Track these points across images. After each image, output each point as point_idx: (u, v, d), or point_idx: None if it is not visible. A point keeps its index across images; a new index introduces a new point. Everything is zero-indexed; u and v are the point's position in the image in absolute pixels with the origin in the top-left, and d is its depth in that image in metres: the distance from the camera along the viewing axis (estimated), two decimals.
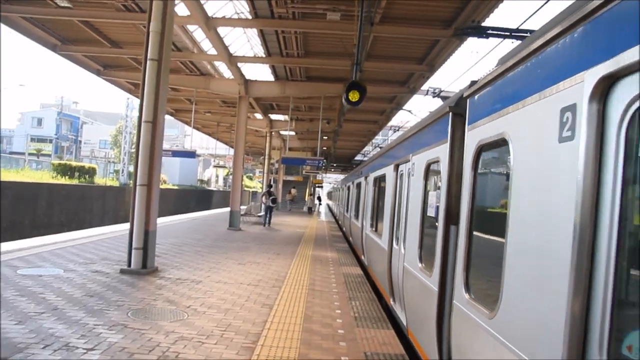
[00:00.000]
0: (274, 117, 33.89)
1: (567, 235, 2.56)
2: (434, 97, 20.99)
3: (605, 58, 2.40)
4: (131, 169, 50.22)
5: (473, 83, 4.80)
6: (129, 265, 10.17)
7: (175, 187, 54.57)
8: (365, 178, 15.71)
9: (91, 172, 35.90)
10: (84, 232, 19.28)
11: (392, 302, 8.70)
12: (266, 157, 35.48)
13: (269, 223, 25.14)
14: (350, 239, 20.55)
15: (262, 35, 17.35)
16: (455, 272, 4.69)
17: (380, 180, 12.11)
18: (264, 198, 26.25)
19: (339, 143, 41.96)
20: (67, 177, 32.61)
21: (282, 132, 32.91)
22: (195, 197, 58.88)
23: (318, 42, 18.07)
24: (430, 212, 5.92)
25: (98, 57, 22.21)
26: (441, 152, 5.42)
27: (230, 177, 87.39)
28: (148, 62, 10.02)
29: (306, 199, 56.01)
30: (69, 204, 29.73)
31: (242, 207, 29.22)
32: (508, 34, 8.80)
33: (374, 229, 12.56)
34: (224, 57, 18.64)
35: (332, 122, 29.88)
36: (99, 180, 37.50)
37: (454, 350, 4.64)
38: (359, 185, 18.27)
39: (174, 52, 19.18)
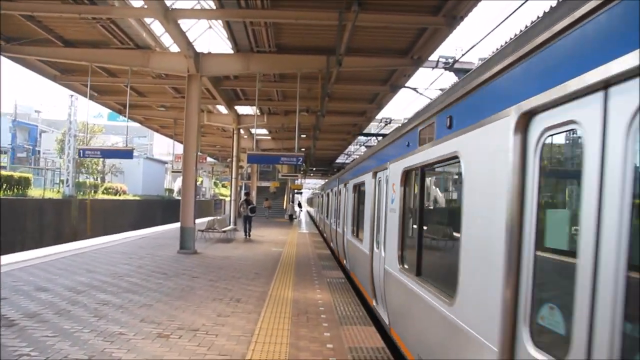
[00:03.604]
0: (242, 110, 28.25)
1: (501, 227, 3.39)
2: (446, 69, 16.10)
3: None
4: (81, 178, 44.24)
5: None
6: None
7: (137, 198, 48.46)
8: (345, 185, 15.87)
9: (23, 182, 29.71)
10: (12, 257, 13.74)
11: (374, 304, 9.08)
12: (233, 158, 29.73)
13: (249, 234, 23.63)
14: (332, 244, 20.72)
15: None
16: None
17: (359, 187, 12.36)
18: (241, 208, 24.75)
19: (319, 143, 36.37)
20: None
21: (253, 131, 27.27)
22: (162, 208, 52.71)
23: None
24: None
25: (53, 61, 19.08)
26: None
27: (204, 186, 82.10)
28: None
29: (285, 207, 50.70)
30: None
31: (219, 217, 23.81)
32: None
33: (355, 234, 12.64)
34: (156, 12, 13.00)
35: (311, 115, 24.37)
36: (34, 192, 31.32)
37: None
38: (338, 192, 18.26)
39: (84, 6, 13.62)
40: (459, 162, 4.42)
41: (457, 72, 16.98)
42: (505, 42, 5.20)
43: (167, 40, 17.24)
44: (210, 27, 17.45)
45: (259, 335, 7.05)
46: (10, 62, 18.49)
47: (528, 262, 3.11)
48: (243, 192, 37.27)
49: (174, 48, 17.26)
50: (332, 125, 29.91)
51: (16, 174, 30.69)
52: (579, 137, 2.73)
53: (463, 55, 14.13)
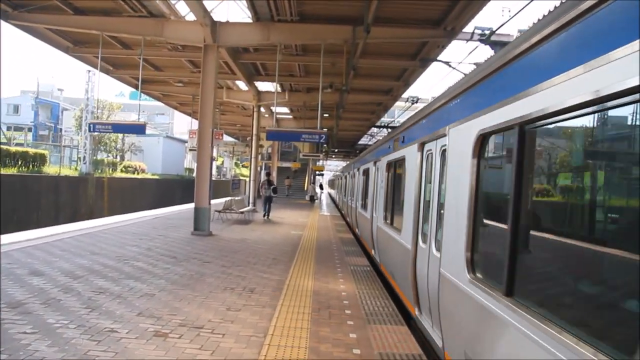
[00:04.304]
0: (262, 87, 27.13)
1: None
2: (482, 42, 14.80)
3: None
4: (100, 155, 43.66)
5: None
6: None
7: (156, 177, 47.84)
8: (375, 163, 13.88)
9: (39, 159, 29.06)
10: (17, 236, 12.98)
11: (417, 313, 7.12)
12: (253, 137, 28.64)
13: (269, 215, 23.05)
14: (357, 230, 18.93)
15: None
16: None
17: (396, 165, 10.27)
18: (262, 188, 23.92)
19: (342, 123, 35.12)
20: (6, 166, 25.87)
21: (274, 108, 26.13)
22: (182, 188, 52.02)
23: None
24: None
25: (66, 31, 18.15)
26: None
27: (225, 166, 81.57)
28: None
29: (306, 188, 49.82)
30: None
31: (237, 197, 22.88)
32: None
33: (388, 221, 10.66)
34: None
35: (334, 92, 23.12)
36: (50, 169, 30.70)
37: None
38: (367, 172, 16.34)
39: None
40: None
41: (494, 44, 15.61)
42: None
43: (182, 9, 16.20)
44: None
45: (273, 336, 6.01)
46: (27, 36, 17.70)
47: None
48: (264, 172, 36.34)
49: (190, 17, 16.19)
50: (356, 103, 28.65)
51: (32, 150, 30.03)
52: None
53: (501, 26, 12.81)
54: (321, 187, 57.30)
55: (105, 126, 17.31)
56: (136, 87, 26.84)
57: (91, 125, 16.82)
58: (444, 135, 6.02)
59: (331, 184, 76.25)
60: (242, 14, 17.02)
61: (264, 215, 23.05)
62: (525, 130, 3.65)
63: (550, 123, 3.42)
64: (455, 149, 5.47)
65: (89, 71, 35.74)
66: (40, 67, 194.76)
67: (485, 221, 4.69)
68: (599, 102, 2.74)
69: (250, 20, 16.01)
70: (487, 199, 4.74)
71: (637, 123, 2.61)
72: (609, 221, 3.02)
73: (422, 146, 7.51)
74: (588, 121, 3.09)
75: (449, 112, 5.95)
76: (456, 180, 5.31)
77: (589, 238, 3.12)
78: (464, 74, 17.26)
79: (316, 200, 44.42)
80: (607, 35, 2.74)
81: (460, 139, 5.27)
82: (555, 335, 2.89)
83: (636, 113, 2.59)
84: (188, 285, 8.45)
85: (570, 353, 2.72)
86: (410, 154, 8.25)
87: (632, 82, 2.40)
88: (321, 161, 60.23)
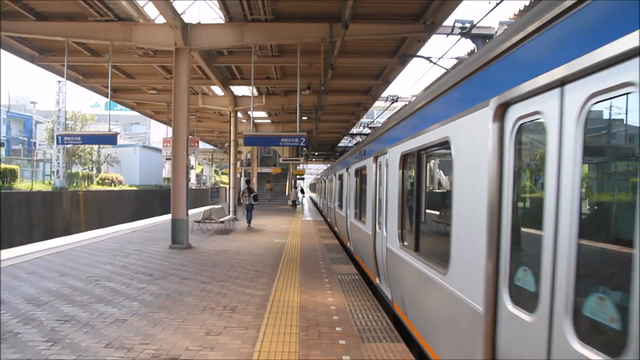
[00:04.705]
0: (238, 91, 26.39)
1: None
2: (462, 36, 14.44)
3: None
4: (75, 168, 42.42)
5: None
6: None
7: (134, 188, 46.74)
8: (347, 169, 16.07)
9: (9, 174, 27.95)
10: None
11: (377, 281, 9.43)
12: (231, 143, 27.89)
13: (249, 223, 22.71)
14: (336, 228, 20.82)
15: None
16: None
17: (361, 171, 12.53)
18: (243, 197, 23.39)
19: (321, 125, 34.53)
20: None
21: (251, 112, 25.27)
22: (160, 198, 50.96)
23: None
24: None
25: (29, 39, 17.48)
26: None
27: (205, 174, 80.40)
28: None
29: (287, 193, 49.12)
30: None
31: (216, 206, 22.03)
32: None
33: (357, 217, 12.92)
34: None
35: (313, 94, 22.53)
36: (22, 185, 29.58)
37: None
38: (341, 177, 18.55)
39: None
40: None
41: (475, 38, 15.13)
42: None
43: (152, 12, 15.47)
44: None
45: None
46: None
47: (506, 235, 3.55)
48: (243, 179, 35.60)
49: (160, 20, 15.48)
50: (335, 105, 28.05)
51: (2, 166, 28.91)
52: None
53: (481, 19, 12.33)
54: (302, 191, 56.61)
55: (74, 138, 16.47)
56: (108, 96, 26.08)
57: (59, 137, 15.97)
58: (386, 153, 8.48)
59: (312, 187, 76.16)
60: (213, 15, 16.36)
61: (248, 224, 22.57)
62: (420, 154, 6.27)
63: (425, 150, 6.04)
64: (391, 162, 7.96)
65: (59, 82, 34.67)
66: (9, 80, 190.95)
67: (407, 210, 7.07)
68: (435, 146, 5.45)
69: (222, 21, 15.33)
70: (408, 195, 7.15)
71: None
72: (446, 204, 5.02)
73: (376, 159, 9.80)
74: (435, 152, 5.96)
75: (389, 137, 8.37)
76: (392, 183, 7.83)
77: (445, 216, 5.14)
78: (446, 69, 16.76)
79: (298, 205, 43.75)
80: (443, 109, 5.11)
81: (393, 156, 7.76)
82: (430, 265, 5.32)
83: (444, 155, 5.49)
84: (164, 307, 7.75)
85: (434, 272, 5.06)
86: (369, 164, 10.53)
87: (441, 138, 5.02)
88: (301, 165, 59.62)
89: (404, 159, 7.10)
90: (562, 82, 2.85)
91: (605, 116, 2.72)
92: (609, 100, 2.56)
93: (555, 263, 2.83)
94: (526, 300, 3.22)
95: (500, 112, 3.61)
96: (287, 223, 24.88)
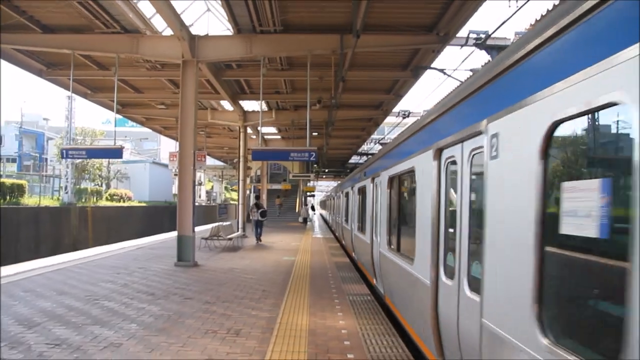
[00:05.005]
0: (248, 106, 26.07)
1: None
2: (477, 47, 13.93)
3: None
4: (84, 184, 42.23)
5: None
6: None
7: (143, 205, 46.46)
8: (352, 188, 18.17)
9: (17, 190, 27.72)
10: None
11: (375, 282, 11.05)
12: (240, 159, 27.52)
13: (259, 239, 22.49)
14: (343, 241, 22.36)
15: None
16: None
17: (361, 190, 14.88)
18: (251, 212, 23.34)
19: (332, 141, 34.08)
20: None
21: (259, 128, 24.96)
22: (169, 215, 50.55)
23: None
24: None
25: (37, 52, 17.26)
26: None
27: (215, 190, 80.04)
28: None
29: (297, 210, 48.58)
30: None
31: (225, 223, 21.50)
32: None
33: (360, 230, 14.71)
34: None
35: (323, 109, 22.14)
36: (30, 200, 29.33)
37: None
38: (347, 194, 20.56)
39: None
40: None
41: (490, 49, 14.62)
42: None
43: (159, 24, 15.21)
44: (208, 9, 15.39)
45: None
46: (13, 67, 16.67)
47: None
48: (253, 195, 35.16)
49: (167, 32, 15.20)
50: (346, 120, 27.67)
51: (9, 181, 28.69)
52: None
53: (496, 30, 11.85)
54: (312, 208, 56.02)
55: (79, 152, 16.14)
56: (117, 112, 25.85)
57: (64, 151, 15.65)
58: (379, 175, 10.46)
59: (322, 204, 75.77)
60: (222, 27, 16.05)
61: (257, 240, 22.23)
62: (401, 177, 8.40)
63: (403, 174, 7.99)
64: (382, 182, 9.97)
65: (69, 97, 34.59)
66: (22, 96, 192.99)
67: (393, 220, 9.12)
68: (407, 172, 7.48)
69: (231, 33, 15.01)
70: (393, 208, 9.15)
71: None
72: (412, 214, 6.79)
73: (373, 179, 11.76)
74: (407, 177, 7.93)
75: (382, 163, 10.34)
76: (382, 200, 9.93)
77: (413, 224, 6.65)
78: (460, 81, 16.26)
79: (309, 222, 43.18)
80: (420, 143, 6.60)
81: (383, 178, 9.84)
82: (404, 259, 7.28)
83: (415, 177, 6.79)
84: (163, 330, 7.24)
85: (406, 263, 6.98)
86: (368, 183, 12.60)
87: (410, 167, 7.17)
88: (312, 182, 59.13)
89: (391, 181, 9.18)
90: (461, 140, 4.64)
91: (479, 161, 4.22)
92: (480, 152, 4.17)
93: (460, 248, 4.59)
94: (450, 273, 4.96)
95: (438, 154, 5.45)
96: (297, 240, 24.34)
